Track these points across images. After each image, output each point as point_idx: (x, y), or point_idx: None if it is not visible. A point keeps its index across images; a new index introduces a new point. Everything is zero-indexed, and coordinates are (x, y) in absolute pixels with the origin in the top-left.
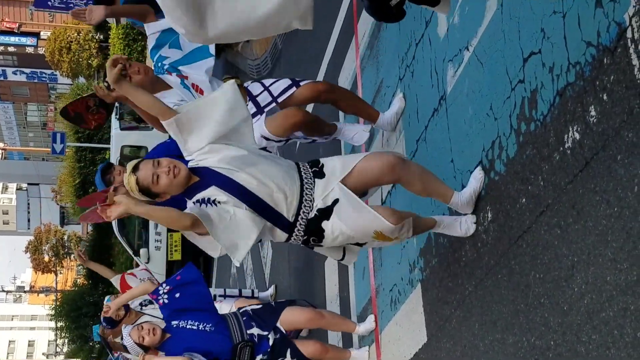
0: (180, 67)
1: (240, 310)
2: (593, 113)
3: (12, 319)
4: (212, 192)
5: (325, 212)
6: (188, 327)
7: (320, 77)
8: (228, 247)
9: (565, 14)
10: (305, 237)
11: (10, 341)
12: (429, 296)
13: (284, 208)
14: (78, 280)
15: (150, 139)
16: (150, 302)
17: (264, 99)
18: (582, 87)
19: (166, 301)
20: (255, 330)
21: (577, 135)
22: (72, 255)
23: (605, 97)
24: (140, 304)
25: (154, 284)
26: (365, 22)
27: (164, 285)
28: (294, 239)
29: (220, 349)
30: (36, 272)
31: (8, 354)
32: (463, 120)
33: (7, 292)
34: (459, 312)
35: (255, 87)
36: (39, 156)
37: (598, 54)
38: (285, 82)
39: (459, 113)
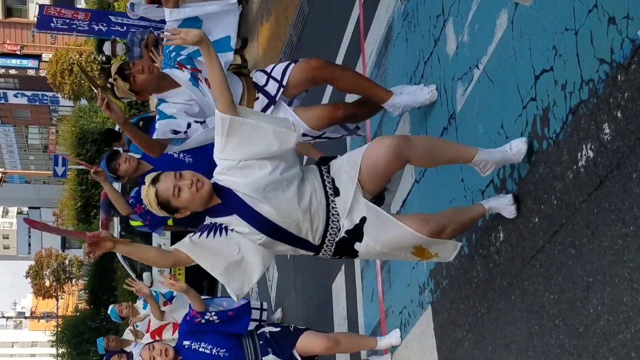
0: (199, 58)
1: (258, 332)
2: (607, 131)
3: (12, 346)
4: (233, 220)
5: (356, 234)
6: (201, 349)
7: (327, 96)
8: (227, 281)
9: (578, 31)
10: (336, 256)
11: None
12: (439, 319)
13: (309, 235)
14: (79, 305)
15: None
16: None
17: (272, 87)
18: (596, 104)
19: (203, 321)
20: (270, 358)
21: (591, 154)
22: (73, 280)
23: (619, 115)
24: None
25: (206, 305)
26: (373, 40)
27: (212, 313)
28: (322, 255)
29: None
30: (37, 298)
31: None
32: (473, 139)
33: (8, 318)
34: (471, 334)
35: (259, 77)
36: (40, 179)
37: (612, 71)
38: (283, 64)
39: (469, 132)
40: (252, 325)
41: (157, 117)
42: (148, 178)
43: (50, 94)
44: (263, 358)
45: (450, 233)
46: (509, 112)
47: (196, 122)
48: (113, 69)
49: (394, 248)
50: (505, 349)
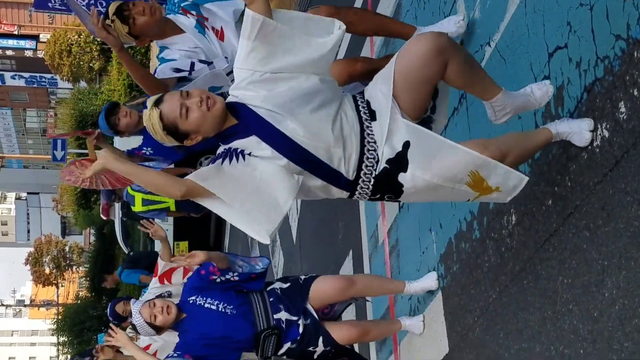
0: (206, 5)
1: (268, 289)
2: (623, 109)
3: (12, 335)
4: (252, 143)
5: (399, 162)
6: (206, 306)
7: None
8: (247, 219)
9: (593, 6)
10: (377, 196)
11: (10, 358)
12: (450, 304)
13: (342, 164)
14: (80, 293)
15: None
16: (169, 295)
17: None
18: (611, 82)
19: (219, 280)
20: (283, 315)
21: (606, 133)
22: (73, 267)
23: (635, 93)
24: (162, 295)
25: (228, 262)
26: None
27: (235, 274)
28: (358, 196)
29: (240, 336)
30: (37, 285)
31: None
32: (485, 120)
33: (7, 306)
34: (482, 320)
35: None
36: (39, 164)
37: (628, 47)
38: None
39: (480, 112)
40: None
41: (158, 64)
42: (150, 101)
43: (48, 75)
44: (274, 315)
45: (512, 161)
46: None
47: (201, 61)
48: (111, 9)
49: (447, 177)
50: (518, 335)
